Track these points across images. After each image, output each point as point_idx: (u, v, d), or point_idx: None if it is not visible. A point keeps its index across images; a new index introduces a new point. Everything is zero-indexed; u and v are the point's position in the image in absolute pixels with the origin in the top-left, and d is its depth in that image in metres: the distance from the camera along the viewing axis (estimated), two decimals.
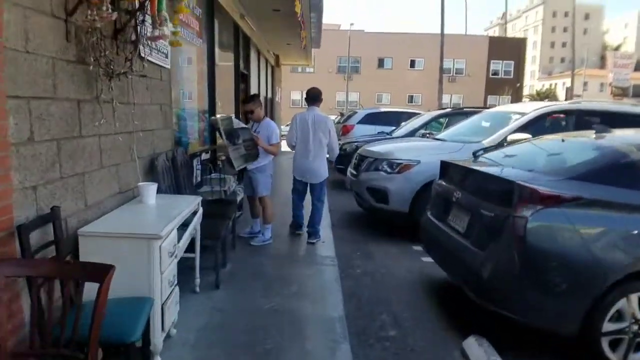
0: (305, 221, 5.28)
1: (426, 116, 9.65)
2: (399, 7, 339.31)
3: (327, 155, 5.18)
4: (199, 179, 5.07)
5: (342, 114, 15.11)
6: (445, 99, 32.16)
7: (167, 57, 3.82)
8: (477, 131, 6.49)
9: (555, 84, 63.76)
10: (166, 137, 3.96)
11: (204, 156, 5.43)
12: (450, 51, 30.44)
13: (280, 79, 15.96)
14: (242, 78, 8.76)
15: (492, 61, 40.23)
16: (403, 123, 10.45)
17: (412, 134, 9.01)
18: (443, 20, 28.47)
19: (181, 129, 4.92)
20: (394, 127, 10.86)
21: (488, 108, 9.57)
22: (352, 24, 34.73)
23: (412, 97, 38.23)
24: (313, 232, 5.10)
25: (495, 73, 40.53)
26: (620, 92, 28.41)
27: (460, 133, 6.54)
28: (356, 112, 12.06)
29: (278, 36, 10.33)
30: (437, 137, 6.54)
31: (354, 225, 6.46)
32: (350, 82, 36.81)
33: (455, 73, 39.38)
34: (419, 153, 5.59)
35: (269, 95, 13.41)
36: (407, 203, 5.34)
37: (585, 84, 46.32)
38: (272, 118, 14.19)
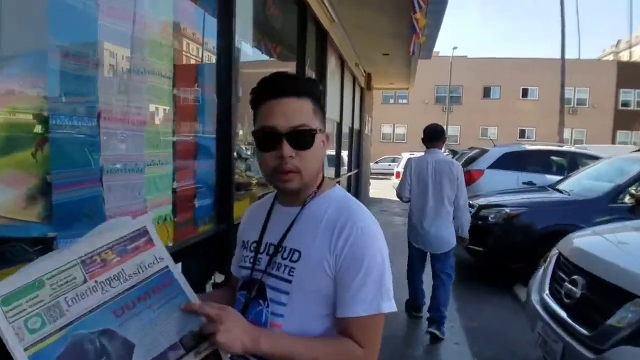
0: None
1: (634, 162, 5.40)
2: (505, 30, 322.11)
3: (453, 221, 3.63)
4: None
5: (454, 152, 11.11)
6: (565, 133, 26.64)
7: None
8: None
9: None
10: None
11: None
12: (570, 79, 25.21)
13: (372, 107, 12.44)
14: None
15: (621, 90, 33.54)
16: (577, 171, 6.32)
17: (614, 195, 4.90)
18: (564, 40, 23.50)
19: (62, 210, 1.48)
20: (551, 176, 6.83)
21: None
22: (455, 48, 30.77)
23: (523, 131, 32.70)
24: (437, 319, 3.60)
25: (626, 104, 33.70)
26: None
27: None
28: (486, 151, 8.06)
29: (373, 35, 6.84)
30: None
31: None
32: (450, 114, 32.44)
33: (577, 104, 33.30)
34: None
35: (356, 126, 9.89)
36: None
37: None
38: (358, 155, 10.63)
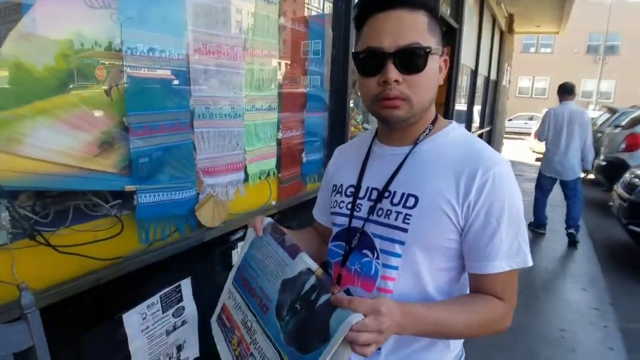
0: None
1: None
2: None
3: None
4: None
5: (613, 110, 9.31)
6: None
7: None
8: None
9: None
10: None
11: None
12: None
13: (512, 54, 10.93)
14: (445, 34, 4.61)
15: None
16: None
17: None
18: None
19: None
20: None
21: None
22: None
23: None
24: (573, 225, 4.85)
25: None
26: None
27: None
28: None
29: None
30: None
31: None
32: (604, 66, 27.81)
33: None
34: None
35: (492, 75, 8.74)
36: None
37: None
38: (493, 110, 9.47)
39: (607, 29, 26.92)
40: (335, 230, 1.02)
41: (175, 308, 1.27)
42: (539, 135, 4.97)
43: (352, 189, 0.99)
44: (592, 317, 3.23)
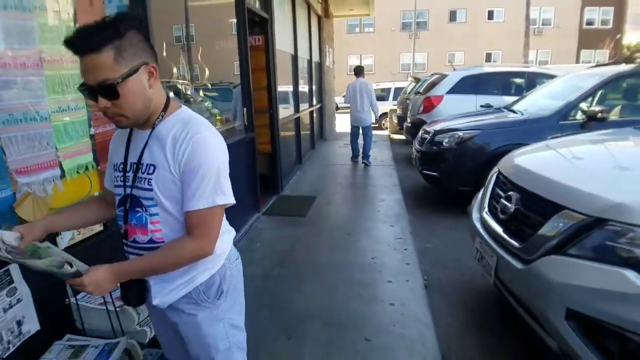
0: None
1: (587, 79, 5.42)
2: None
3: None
4: None
5: (417, 80, 10.95)
6: (530, 55, 26.51)
7: None
8: None
9: None
10: None
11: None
12: None
13: (332, 37, 11.99)
14: (255, 24, 5.06)
15: (586, 8, 33.06)
16: (531, 91, 6.35)
17: (565, 112, 4.96)
18: None
19: None
20: (510, 98, 6.93)
21: None
22: None
23: (489, 55, 32.33)
24: (365, 157, 7.83)
25: (590, 23, 33.28)
26: None
27: None
28: (445, 76, 7.98)
29: None
30: None
31: None
32: (417, 40, 31.72)
33: (542, 24, 32.86)
34: None
35: (315, 58, 9.58)
36: None
37: None
38: (320, 89, 10.35)
39: (416, 7, 30.63)
40: (117, 199, 1.34)
41: (7, 289, 1.47)
42: (345, 100, 8.01)
43: (122, 165, 1.31)
44: (396, 244, 4.05)
